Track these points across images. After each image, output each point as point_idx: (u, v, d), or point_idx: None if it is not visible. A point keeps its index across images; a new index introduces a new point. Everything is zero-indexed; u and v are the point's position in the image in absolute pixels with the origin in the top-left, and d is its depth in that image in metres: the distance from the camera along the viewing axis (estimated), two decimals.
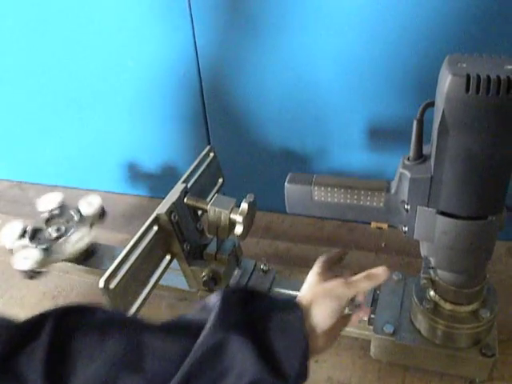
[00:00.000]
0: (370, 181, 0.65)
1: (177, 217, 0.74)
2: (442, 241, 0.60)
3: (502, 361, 0.73)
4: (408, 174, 0.58)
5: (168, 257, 0.77)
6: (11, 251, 0.89)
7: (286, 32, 0.87)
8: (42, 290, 0.98)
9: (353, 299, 0.59)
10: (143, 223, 0.72)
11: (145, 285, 0.72)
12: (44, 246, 0.88)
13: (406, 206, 0.61)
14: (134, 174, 1.19)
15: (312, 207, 0.67)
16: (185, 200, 0.78)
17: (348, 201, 0.65)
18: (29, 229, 0.91)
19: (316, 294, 0.56)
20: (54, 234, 0.91)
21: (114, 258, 0.67)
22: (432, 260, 0.65)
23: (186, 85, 1.00)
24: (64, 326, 0.47)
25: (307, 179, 0.66)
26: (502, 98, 0.47)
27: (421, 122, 0.57)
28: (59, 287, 0.98)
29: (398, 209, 0.63)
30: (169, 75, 1.00)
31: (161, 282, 0.75)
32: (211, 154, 0.89)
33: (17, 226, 0.92)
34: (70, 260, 0.92)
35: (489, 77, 0.47)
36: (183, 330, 0.49)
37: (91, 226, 0.93)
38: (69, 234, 0.90)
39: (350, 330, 0.77)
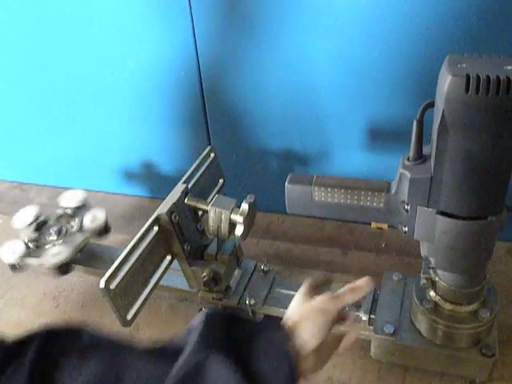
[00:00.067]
0: (370, 181, 0.65)
1: (177, 217, 0.74)
2: (442, 241, 0.60)
3: (502, 361, 0.73)
4: (408, 174, 0.58)
5: (168, 257, 0.77)
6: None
7: (286, 32, 0.87)
8: (42, 291, 0.98)
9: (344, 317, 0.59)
10: (144, 224, 0.72)
11: (145, 285, 0.72)
12: (31, 245, 0.88)
13: (406, 207, 0.61)
14: (135, 174, 1.19)
15: (312, 207, 0.67)
16: (185, 200, 0.78)
17: (348, 201, 0.65)
18: (40, 219, 0.91)
19: (302, 312, 0.57)
20: (51, 238, 0.90)
21: (114, 259, 0.67)
22: (432, 260, 0.65)
23: (187, 85, 1.00)
24: (47, 352, 0.47)
25: (307, 179, 0.66)
26: (502, 98, 0.47)
27: (421, 123, 0.57)
28: (60, 288, 0.98)
29: (398, 209, 0.63)
30: (169, 75, 1.00)
31: (161, 283, 0.75)
32: (212, 155, 0.89)
33: (31, 211, 0.92)
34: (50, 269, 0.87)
35: (488, 77, 0.47)
36: (165, 352, 0.49)
37: (86, 240, 0.90)
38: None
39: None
